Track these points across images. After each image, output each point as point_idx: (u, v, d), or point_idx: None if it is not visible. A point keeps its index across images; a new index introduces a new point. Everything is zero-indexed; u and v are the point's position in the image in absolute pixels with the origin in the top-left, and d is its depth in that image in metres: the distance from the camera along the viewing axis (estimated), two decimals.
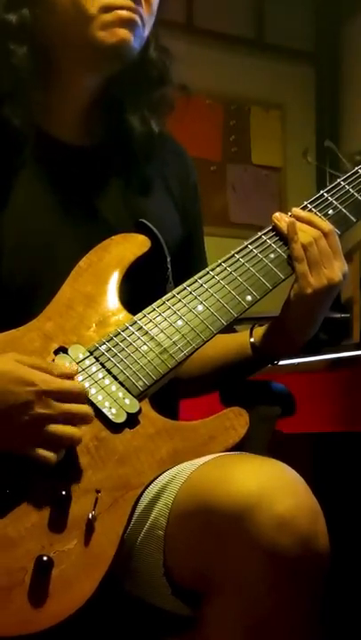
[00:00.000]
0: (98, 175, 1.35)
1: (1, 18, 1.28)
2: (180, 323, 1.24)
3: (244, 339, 1.41)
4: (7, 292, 1.25)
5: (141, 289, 1.29)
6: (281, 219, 1.32)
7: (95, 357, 1.20)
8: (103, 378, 1.18)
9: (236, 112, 3.99)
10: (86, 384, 1.17)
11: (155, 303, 1.25)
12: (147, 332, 1.22)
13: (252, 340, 1.40)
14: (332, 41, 4.14)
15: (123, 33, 1.26)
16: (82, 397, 1.14)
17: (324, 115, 4.13)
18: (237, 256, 1.29)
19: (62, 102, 1.33)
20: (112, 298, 1.25)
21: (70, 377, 1.15)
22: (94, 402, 1.16)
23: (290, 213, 1.33)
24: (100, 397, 1.17)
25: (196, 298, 1.25)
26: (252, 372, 1.43)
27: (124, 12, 1.25)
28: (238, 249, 1.30)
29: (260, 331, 1.41)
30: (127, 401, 1.17)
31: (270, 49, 4.06)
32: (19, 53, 1.26)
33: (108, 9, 1.25)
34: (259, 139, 4.02)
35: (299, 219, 1.32)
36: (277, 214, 1.33)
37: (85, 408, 1.13)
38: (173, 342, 1.22)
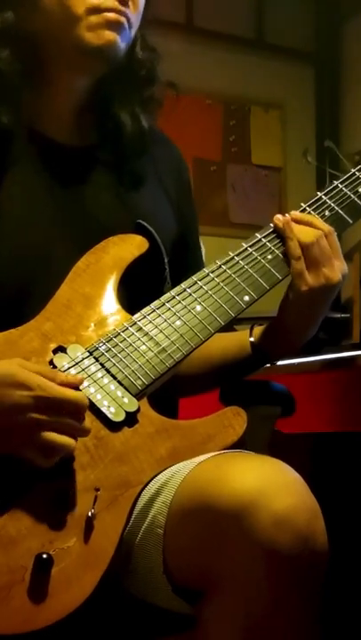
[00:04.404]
0: (91, 174, 1.35)
1: None
2: (178, 323, 1.24)
3: (244, 337, 1.41)
4: (4, 292, 1.25)
5: (139, 289, 1.29)
6: (282, 220, 1.32)
7: (94, 357, 1.20)
8: (102, 377, 1.19)
9: (236, 112, 3.99)
10: (85, 383, 1.17)
11: (153, 303, 1.25)
12: (146, 333, 1.22)
13: (251, 339, 1.40)
14: (332, 41, 4.15)
15: (109, 35, 1.26)
16: (80, 408, 1.12)
17: (325, 115, 4.14)
18: (237, 258, 1.30)
19: (54, 102, 1.33)
20: (110, 298, 1.26)
21: (74, 387, 1.13)
22: (93, 400, 1.16)
23: (287, 215, 1.33)
24: (98, 396, 1.17)
25: (194, 298, 1.26)
26: (251, 371, 1.43)
27: (111, 15, 1.25)
28: (237, 252, 1.31)
29: (259, 330, 1.41)
30: (126, 400, 1.18)
31: (270, 49, 4.06)
32: (1, 56, 1.26)
33: (95, 11, 1.25)
34: (259, 139, 4.03)
35: (299, 221, 1.32)
36: (279, 216, 1.33)
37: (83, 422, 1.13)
38: (172, 342, 1.22)
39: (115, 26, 1.26)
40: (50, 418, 1.09)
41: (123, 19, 1.26)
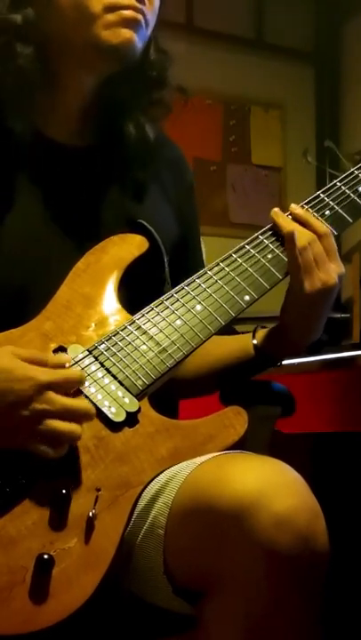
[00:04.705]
0: (93, 175, 1.35)
1: (5, 17, 1.25)
2: (178, 322, 1.24)
3: (247, 340, 1.41)
4: (3, 293, 1.25)
5: (139, 289, 1.29)
6: (279, 215, 1.32)
7: (94, 357, 1.20)
8: (102, 377, 1.19)
9: (236, 112, 4.00)
10: (86, 383, 1.17)
11: (153, 303, 1.25)
12: (145, 332, 1.23)
13: (254, 341, 1.40)
14: (332, 41, 4.15)
15: (127, 33, 1.24)
16: (80, 382, 1.14)
17: (324, 115, 4.14)
18: (235, 256, 1.30)
19: (59, 102, 1.33)
20: (110, 298, 1.26)
21: (63, 366, 1.15)
22: (94, 401, 1.16)
23: (287, 213, 1.33)
24: (99, 396, 1.17)
25: (194, 298, 1.26)
26: (255, 373, 1.43)
27: (128, 12, 1.24)
28: (236, 249, 1.30)
29: (262, 333, 1.41)
30: (127, 400, 1.17)
31: (270, 49, 4.07)
32: (25, 53, 1.25)
33: (112, 8, 1.23)
34: (259, 139, 4.03)
35: (296, 216, 1.32)
36: (276, 210, 1.33)
37: (86, 404, 1.13)
38: (172, 342, 1.22)
39: (132, 23, 1.25)
40: (53, 407, 1.10)
41: (140, 16, 1.25)
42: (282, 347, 1.39)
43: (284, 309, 1.34)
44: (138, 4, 1.25)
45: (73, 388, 1.14)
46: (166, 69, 1.36)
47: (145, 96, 1.36)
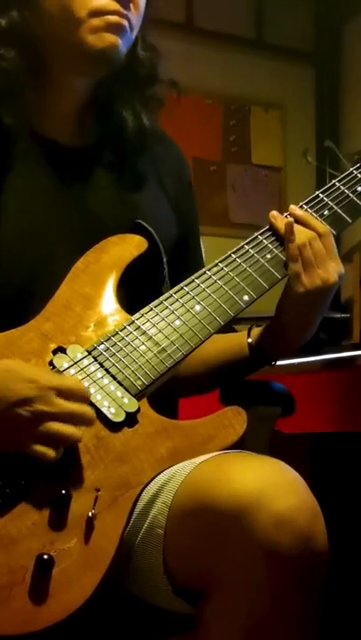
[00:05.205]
0: (92, 175, 1.35)
1: None
2: (177, 322, 1.24)
3: (242, 339, 1.41)
4: (4, 292, 1.25)
5: (138, 289, 1.29)
6: (278, 217, 1.32)
7: (93, 357, 1.20)
8: (102, 377, 1.19)
9: (236, 112, 3.99)
10: (85, 383, 1.17)
11: (152, 303, 1.25)
12: (145, 332, 1.23)
13: (249, 340, 1.40)
14: (332, 41, 4.15)
15: (111, 38, 1.26)
16: (83, 395, 1.14)
17: (325, 115, 4.14)
18: (234, 256, 1.30)
19: (55, 103, 1.33)
20: (110, 298, 1.26)
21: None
22: (93, 401, 1.16)
23: (286, 213, 1.33)
24: (98, 397, 1.17)
25: (193, 298, 1.26)
26: (250, 372, 1.43)
27: (113, 18, 1.25)
28: (235, 249, 1.31)
29: (257, 331, 1.41)
30: (126, 400, 1.18)
31: (270, 49, 4.06)
32: (8, 57, 1.26)
33: (97, 13, 1.25)
34: (259, 139, 4.03)
35: (296, 217, 1.32)
36: (274, 213, 1.33)
37: (87, 409, 1.13)
38: (171, 342, 1.23)
39: (117, 29, 1.26)
40: (54, 409, 1.10)
41: (125, 22, 1.26)
42: (276, 346, 1.39)
43: (280, 309, 1.34)
44: (123, 10, 1.26)
45: (75, 399, 1.13)
46: (155, 66, 1.37)
47: (137, 93, 1.37)
